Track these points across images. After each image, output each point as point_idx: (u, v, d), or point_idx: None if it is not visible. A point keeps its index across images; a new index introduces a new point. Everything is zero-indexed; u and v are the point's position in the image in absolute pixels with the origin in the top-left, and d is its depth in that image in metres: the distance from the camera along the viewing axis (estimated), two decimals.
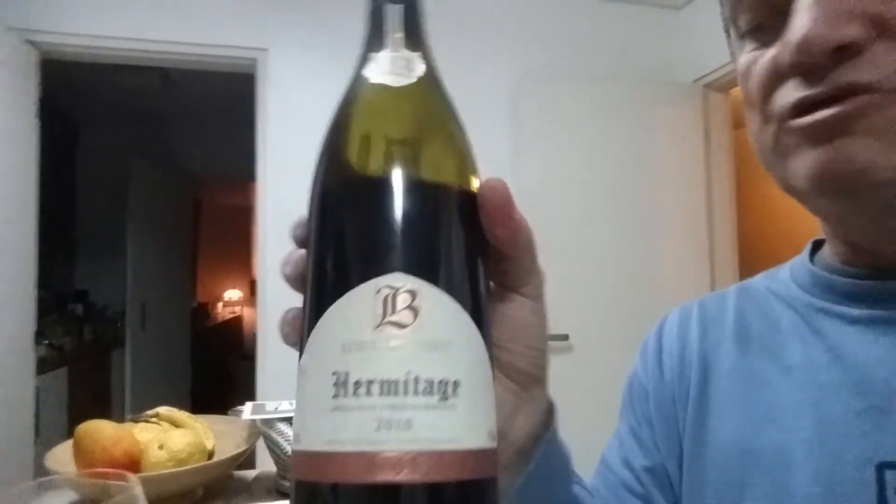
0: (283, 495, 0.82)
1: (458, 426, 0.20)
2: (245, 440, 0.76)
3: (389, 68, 0.25)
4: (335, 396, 0.20)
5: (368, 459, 0.19)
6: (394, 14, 0.26)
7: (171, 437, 0.70)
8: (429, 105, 0.26)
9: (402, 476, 0.19)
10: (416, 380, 0.20)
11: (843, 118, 0.30)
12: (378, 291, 0.21)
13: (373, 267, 0.21)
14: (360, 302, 0.21)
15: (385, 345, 0.20)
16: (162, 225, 3.97)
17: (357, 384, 0.20)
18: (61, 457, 0.71)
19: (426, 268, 0.22)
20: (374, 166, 0.24)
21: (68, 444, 0.72)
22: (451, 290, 0.22)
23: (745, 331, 0.42)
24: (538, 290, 0.27)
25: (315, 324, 0.22)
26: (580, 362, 2.11)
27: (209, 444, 0.74)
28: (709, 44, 2.25)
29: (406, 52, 0.25)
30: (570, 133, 2.16)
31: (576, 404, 2.18)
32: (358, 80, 0.25)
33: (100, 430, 0.71)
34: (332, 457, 0.20)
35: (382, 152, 0.24)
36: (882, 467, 0.30)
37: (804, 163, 0.32)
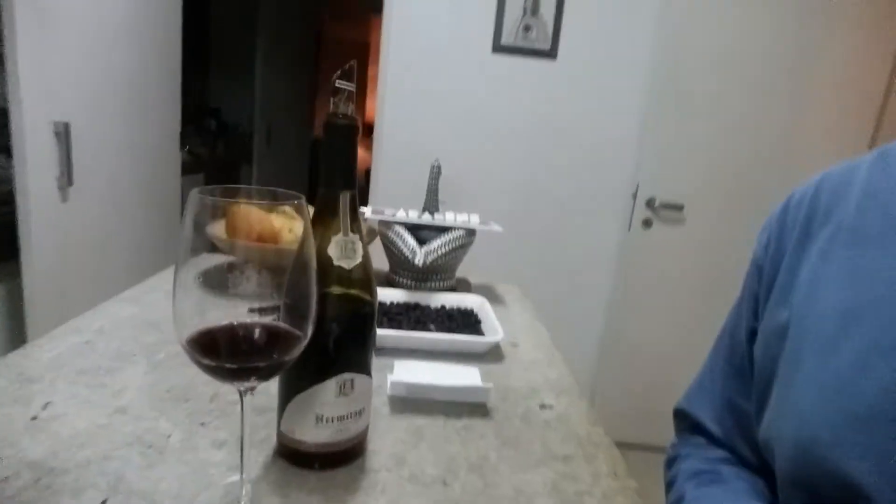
0: (391, 285, 0.97)
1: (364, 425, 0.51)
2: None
3: (341, 254, 0.45)
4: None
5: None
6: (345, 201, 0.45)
7: (297, 224, 0.80)
8: (363, 271, 0.47)
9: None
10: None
11: None
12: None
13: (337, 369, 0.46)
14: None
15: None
16: (286, 53, 4.07)
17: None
18: (217, 231, 0.84)
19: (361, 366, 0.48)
20: (332, 312, 0.45)
21: (221, 222, 0.84)
22: (368, 372, 0.49)
23: (869, 196, 0.41)
24: None
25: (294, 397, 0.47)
26: (693, 231, 2.17)
27: None
28: None
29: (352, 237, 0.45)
30: None
31: (688, 270, 2.20)
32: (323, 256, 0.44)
33: (249, 211, 0.82)
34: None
35: (340, 303, 0.46)
36: None
37: None
